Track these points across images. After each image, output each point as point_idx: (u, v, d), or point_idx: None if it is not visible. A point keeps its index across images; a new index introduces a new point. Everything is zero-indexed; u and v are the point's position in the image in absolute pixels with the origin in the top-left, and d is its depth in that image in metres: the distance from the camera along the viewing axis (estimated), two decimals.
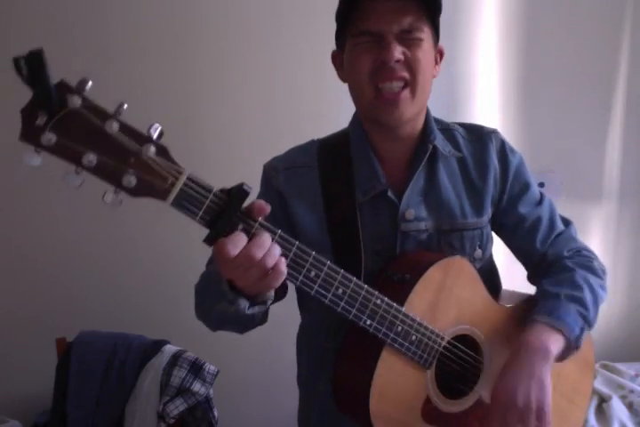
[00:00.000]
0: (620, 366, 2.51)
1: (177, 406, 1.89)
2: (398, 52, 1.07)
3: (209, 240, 0.82)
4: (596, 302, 1.17)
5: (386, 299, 1.00)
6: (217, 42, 2.26)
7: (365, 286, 0.98)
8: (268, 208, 0.85)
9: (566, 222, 1.31)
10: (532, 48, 2.59)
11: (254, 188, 0.89)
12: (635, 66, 2.72)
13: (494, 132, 1.26)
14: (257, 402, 2.35)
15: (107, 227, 2.19)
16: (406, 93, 1.09)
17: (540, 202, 1.27)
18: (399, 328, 1.02)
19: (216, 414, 1.98)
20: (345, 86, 1.18)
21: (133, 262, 2.24)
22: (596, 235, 2.72)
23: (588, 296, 1.15)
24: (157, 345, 1.98)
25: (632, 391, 2.34)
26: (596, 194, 2.76)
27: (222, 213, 0.81)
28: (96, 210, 2.11)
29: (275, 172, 1.22)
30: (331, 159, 1.20)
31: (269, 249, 0.84)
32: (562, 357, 1.11)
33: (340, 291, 0.95)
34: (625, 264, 2.80)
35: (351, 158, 1.19)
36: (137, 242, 2.23)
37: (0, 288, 2.13)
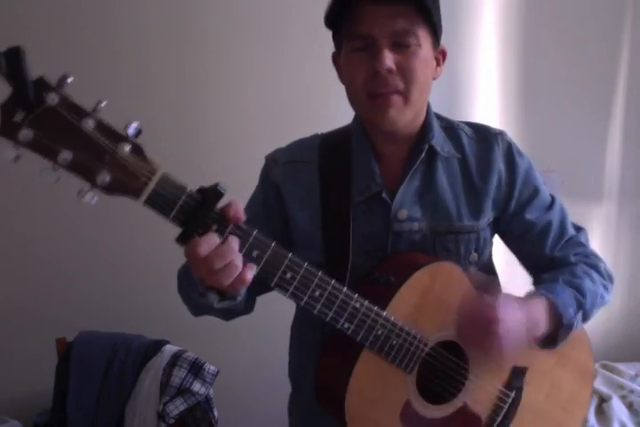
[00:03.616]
0: (620, 366, 2.51)
1: (177, 406, 1.89)
2: (390, 60, 1.03)
3: (181, 240, 0.82)
4: (596, 294, 1.17)
5: (365, 302, 0.98)
6: (223, 41, 2.26)
7: (344, 288, 0.96)
8: (242, 218, 0.84)
9: (578, 229, 1.28)
10: (531, 48, 2.59)
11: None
12: (635, 66, 2.72)
13: (501, 133, 1.22)
14: (257, 402, 2.34)
15: (106, 227, 2.19)
16: (398, 99, 1.06)
17: (550, 206, 1.23)
18: (379, 332, 1.00)
19: (216, 414, 1.98)
20: None
21: (133, 262, 2.24)
22: (596, 235, 2.72)
23: (587, 285, 1.15)
24: (157, 345, 1.98)
25: (632, 391, 2.35)
26: (596, 194, 2.76)
27: (196, 213, 0.80)
28: (95, 212, 2.12)
29: (274, 163, 1.22)
30: (331, 156, 1.19)
31: (235, 255, 0.83)
32: (552, 336, 1.11)
33: (317, 293, 0.93)
34: (625, 264, 2.80)
35: (352, 156, 1.18)
36: (137, 241, 2.22)
37: (0, 288, 2.13)
